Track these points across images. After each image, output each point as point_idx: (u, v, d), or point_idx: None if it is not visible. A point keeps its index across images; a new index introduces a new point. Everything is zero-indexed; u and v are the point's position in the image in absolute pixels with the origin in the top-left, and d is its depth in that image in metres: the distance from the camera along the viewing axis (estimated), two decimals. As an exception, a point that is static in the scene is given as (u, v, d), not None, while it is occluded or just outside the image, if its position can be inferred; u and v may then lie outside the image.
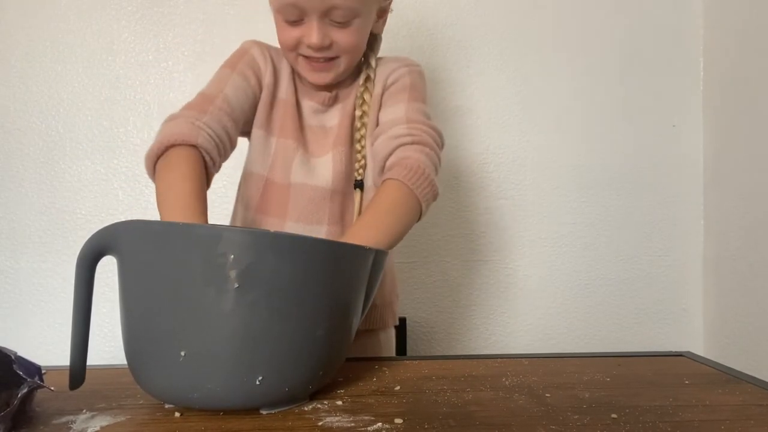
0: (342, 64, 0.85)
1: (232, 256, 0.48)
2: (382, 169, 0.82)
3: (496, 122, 1.38)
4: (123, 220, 0.52)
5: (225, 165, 0.84)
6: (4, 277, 1.33)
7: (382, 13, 0.89)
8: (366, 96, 0.88)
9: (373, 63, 0.90)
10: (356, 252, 0.58)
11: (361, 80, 0.90)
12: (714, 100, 1.37)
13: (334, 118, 0.90)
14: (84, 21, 1.33)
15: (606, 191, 1.39)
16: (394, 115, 0.85)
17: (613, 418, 0.52)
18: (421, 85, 0.90)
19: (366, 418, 0.52)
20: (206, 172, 0.77)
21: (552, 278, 1.39)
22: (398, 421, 0.51)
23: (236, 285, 0.49)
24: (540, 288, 1.39)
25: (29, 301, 1.33)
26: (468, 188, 1.37)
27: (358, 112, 0.88)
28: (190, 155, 0.75)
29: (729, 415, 0.53)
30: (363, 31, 0.84)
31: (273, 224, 0.87)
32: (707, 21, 1.39)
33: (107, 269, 0.54)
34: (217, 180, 0.85)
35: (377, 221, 0.73)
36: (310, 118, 0.90)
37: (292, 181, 0.87)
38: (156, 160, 0.76)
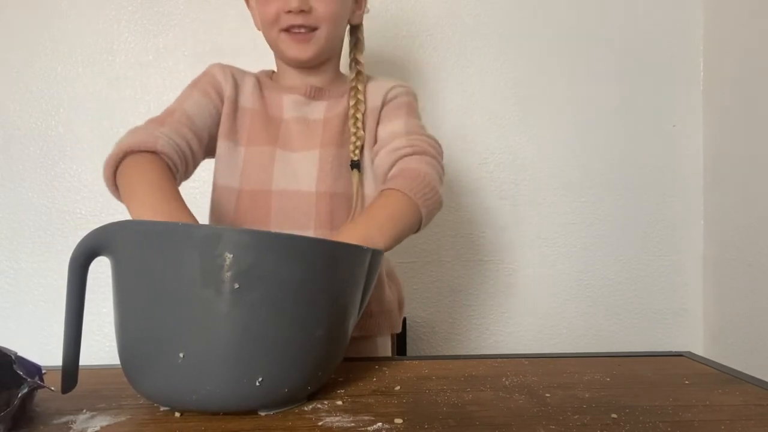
0: (323, 37, 0.85)
1: (232, 257, 0.48)
2: (384, 183, 0.81)
3: (496, 122, 1.38)
4: (118, 220, 0.52)
5: (196, 177, 0.83)
6: (4, 277, 1.33)
7: (359, 1, 0.92)
8: (360, 86, 0.89)
9: (361, 59, 0.92)
10: (355, 252, 0.58)
11: (352, 75, 0.91)
12: (714, 100, 1.37)
13: (319, 112, 0.90)
14: (84, 21, 1.33)
15: (606, 191, 1.39)
16: (394, 128, 0.86)
17: (613, 418, 0.52)
18: (416, 106, 0.93)
19: (366, 418, 0.52)
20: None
21: (552, 278, 1.39)
22: (398, 421, 0.51)
23: (236, 286, 0.48)
24: (540, 288, 1.39)
25: (29, 301, 1.33)
26: (468, 188, 1.37)
27: (352, 101, 0.89)
28: (152, 159, 0.74)
29: (729, 415, 0.53)
30: (341, 2, 0.85)
31: None
32: (707, 21, 1.39)
33: (109, 269, 0.53)
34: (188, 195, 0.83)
35: (369, 222, 0.72)
36: (290, 110, 0.89)
37: (273, 188, 0.86)
38: (116, 168, 0.74)
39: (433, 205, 0.78)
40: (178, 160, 0.77)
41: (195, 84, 0.90)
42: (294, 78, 0.91)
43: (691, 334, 1.40)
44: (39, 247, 1.33)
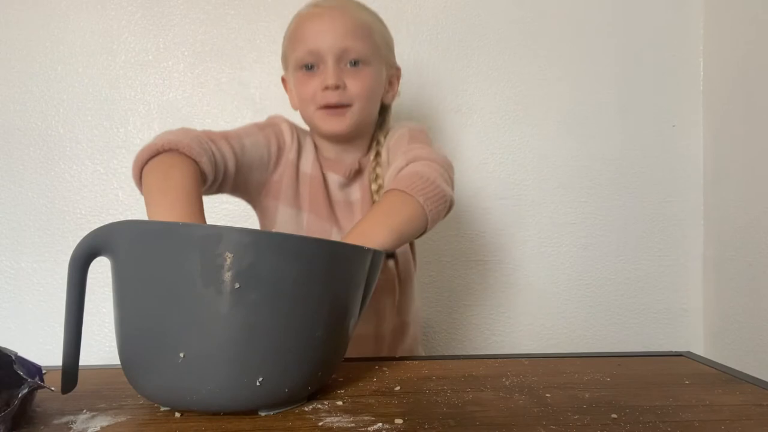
0: (356, 113, 0.88)
1: (232, 256, 0.48)
2: None
3: (496, 122, 1.38)
4: (118, 220, 0.52)
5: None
6: (4, 277, 1.33)
7: (391, 80, 0.95)
8: (378, 170, 0.93)
9: (382, 140, 0.95)
10: (355, 252, 0.58)
11: (371, 156, 0.95)
12: (714, 100, 1.37)
13: (357, 192, 0.93)
14: (84, 21, 1.33)
15: (606, 191, 1.39)
16: (395, 160, 0.87)
17: (613, 418, 0.52)
18: (420, 135, 0.93)
19: (366, 418, 0.52)
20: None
21: (552, 278, 1.39)
22: (398, 421, 0.51)
23: (237, 285, 0.49)
24: (540, 288, 1.39)
25: (29, 301, 1.33)
26: (468, 188, 1.37)
27: (374, 187, 0.92)
28: (189, 162, 0.73)
29: (729, 415, 0.53)
30: (374, 81, 0.89)
31: None
32: (707, 21, 1.39)
33: (109, 269, 0.53)
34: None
35: (367, 226, 0.72)
36: (336, 193, 0.94)
37: None
38: (152, 156, 0.73)
39: (436, 198, 0.76)
40: (212, 177, 0.78)
41: (262, 128, 0.91)
42: (331, 151, 0.94)
43: (691, 334, 1.40)
44: (39, 247, 1.33)
